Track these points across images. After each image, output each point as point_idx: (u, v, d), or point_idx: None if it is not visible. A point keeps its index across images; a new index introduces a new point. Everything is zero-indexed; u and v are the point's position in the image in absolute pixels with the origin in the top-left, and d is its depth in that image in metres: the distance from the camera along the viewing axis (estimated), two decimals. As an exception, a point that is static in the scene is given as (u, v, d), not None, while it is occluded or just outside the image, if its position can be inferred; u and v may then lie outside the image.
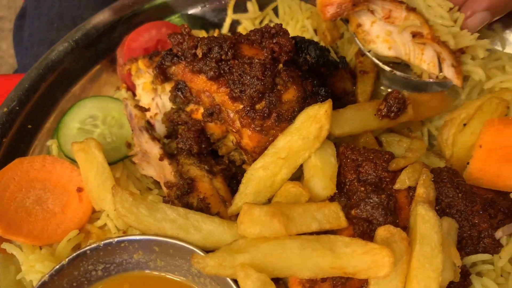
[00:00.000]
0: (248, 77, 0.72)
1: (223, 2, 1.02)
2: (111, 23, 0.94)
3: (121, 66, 0.92)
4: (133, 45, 0.94)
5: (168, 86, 0.81)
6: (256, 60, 0.73)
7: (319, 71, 0.84)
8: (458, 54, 0.85)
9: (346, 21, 0.88)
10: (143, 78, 0.87)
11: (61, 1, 1.29)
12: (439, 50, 0.84)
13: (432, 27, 0.85)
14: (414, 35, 0.84)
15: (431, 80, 0.86)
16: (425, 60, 0.84)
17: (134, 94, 0.92)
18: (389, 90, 0.99)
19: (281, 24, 0.75)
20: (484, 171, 0.76)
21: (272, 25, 1.00)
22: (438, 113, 0.87)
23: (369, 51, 0.89)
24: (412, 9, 0.85)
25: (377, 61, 0.88)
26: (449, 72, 0.84)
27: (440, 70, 0.86)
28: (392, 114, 0.79)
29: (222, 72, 0.74)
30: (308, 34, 1.01)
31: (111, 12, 0.93)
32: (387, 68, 0.88)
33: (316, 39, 0.98)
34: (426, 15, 0.86)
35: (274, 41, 0.74)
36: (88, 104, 0.89)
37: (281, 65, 0.74)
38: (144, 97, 0.87)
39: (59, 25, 1.27)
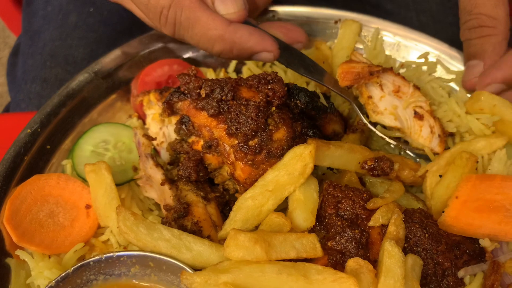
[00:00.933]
0: (244, 117, 0.81)
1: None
2: (128, 57, 1.04)
3: (135, 97, 1.02)
4: (146, 79, 1.04)
5: (174, 119, 0.90)
6: (252, 102, 0.82)
7: (310, 114, 0.93)
8: (446, 132, 0.97)
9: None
10: (153, 110, 0.96)
11: (54, 41, 1.34)
12: (433, 124, 0.96)
13: (431, 106, 0.98)
14: (416, 113, 0.97)
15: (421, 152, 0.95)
16: (422, 136, 0.96)
17: (144, 123, 1.02)
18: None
19: (276, 72, 0.84)
20: (457, 220, 0.82)
21: (271, 69, 1.12)
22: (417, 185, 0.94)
23: (375, 125, 0.97)
24: (417, 88, 0.99)
25: (383, 136, 0.96)
26: (435, 141, 0.96)
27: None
28: (375, 172, 0.88)
29: (221, 110, 0.83)
30: (306, 78, 1.10)
31: (129, 48, 1.04)
32: (393, 142, 0.97)
33: (312, 84, 1.08)
34: (430, 94, 1.02)
35: (269, 87, 0.83)
36: (101, 129, 0.98)
37: (274, 108, 0.83)
38: (153, 126, 0.97)
39: (52, 63, 1.32)
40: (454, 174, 0.86)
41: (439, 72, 1.06)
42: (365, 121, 0.97)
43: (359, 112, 0.98)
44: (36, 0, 1.47)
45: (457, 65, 1.05)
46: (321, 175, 0.96)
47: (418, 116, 0.97)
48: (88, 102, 1.00)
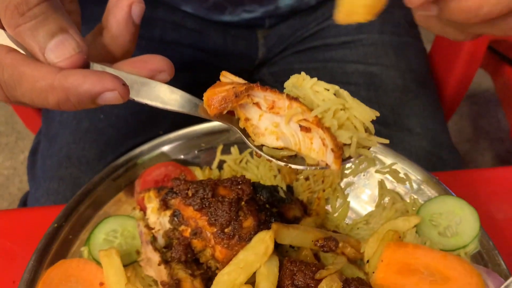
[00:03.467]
0: (220, 211, 1.08)
1: (214, 147, 1.41)
2: (132, 162, 1.33)
3: (138, 193, 1.29)
4: (147, 178, 1.31)
5: (168, 212, 1.17)
6: (226, 199, 1.09)
7: (274, 204, 1.20)
8: (340, 143, 0.85)
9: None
10: (152, 204, 1.23)
11: (69, 144, 1.55)
12: (323, 136, 0.84)
13: (317, 115, 0.84)
14: (301, 126, 0.84)
15: (315, 167, 0.88)
16: (314, 149, 0.86)
17: (144, 214, 1.28)
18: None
19: (244, 176, 1.12)
20: (384, 279, 1.06)
21: (246, 165, 1.40)
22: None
23: (261, 147, 0.89)
24: (294, 98, 0.85)
25: (270, 158, 0.89)
26: (330, 157, 0.85)
27: None
28: (324, 249, 1.13)
29: (203, 206, 1.10)
30: (274, 172, 1.38)
31: (132, 155, 1.33)
32: (281, 163, 0.88)
33: (278, 177, 1.36)
34: (315, 101, 0.87)
35: (239, 187, 1.11)
36: (111, 221, 1.24)
37: (243, 203, 1.10)
38: (151, 217, 1.23)
39: (67, 164, 1.52)
40: (383, 246, 1.11)
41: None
42: (251, 146, 0.91)
43: (243, 137, 0.91)
44: None
45: (391, 160, 1.33)
46: (285, 252, 1.21)
47: (305, 129, 0.86)
48: (101, 198, 1.27)
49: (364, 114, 0.89)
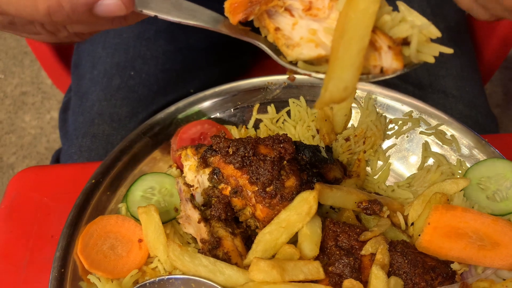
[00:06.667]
0: (262, 169, 1.05)
1: (250, 105, 1.37)
2: (168, 120, 1.30)
3: (174, 151, 1.27)
4: (183, 136, 1.29)
5: (207, 170, 1.14)
6: (268, 158, 1.06)
7: (315, 165, 1.17)
8: (398, 39, 0.72)
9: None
10: (190, 162, 1.20)
11: (101, 101, 1.54)
12: (374, 38, 0.71)
13: None
14: None
15: (367, 76, 0.75)
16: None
17: (181, 171, 1.26)
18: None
19: (286, 134, 1.08)
20: (430, 242, 1.02)
21: (283, 125, 1.36)
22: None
23: (295, 63, 0.75)
24: None
25: (307, 72, 0.76)
26: (387, 58, 0.72)
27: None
28: (367, 212, 1.09)
29: (244, 164, 1.07)
30: (312, 132, 1.33)
31: (168, 113, 1.29)
32: (322, 76, 0.76)
33: (317, 137, 1.31)
34: None
35: (281, 145, 1.07)
36: (148, 178, 1.22)
37: (285, 162, 1.07)
38: (189, 175, 1.20)
39: (99, 121, 1.51)
40: (429, 209, 1.07)
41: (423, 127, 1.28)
42: (284, 64, 0.77)
43: (274, 55, 0.77)
44: (83, 64, 1.74)
45: (436, 121, 1.27)
46: (325, 213, 1.18)
47: None
48: (137, 156, 1.25)
49: (422, 19, 0.75)
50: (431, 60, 0.78)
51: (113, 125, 1.54)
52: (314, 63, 0.78)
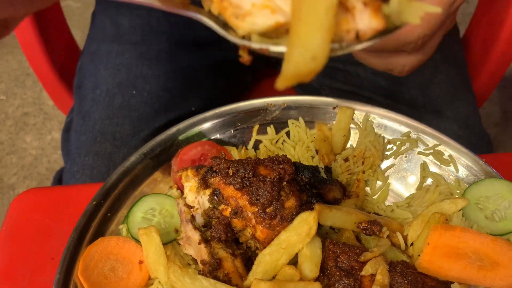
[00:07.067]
0: (262, 190, 1.06)
1: (250, 126, 1.39)
2: (169, 141, 1.31)
3: (175, 172, 1.28)
4: (184, 157, 1.30)
5: (207, 191, 1.15)
6: (268, 179, 1.07)
7: (314, 185, 1.18)
8: None
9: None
10: (190, 183, 1.21)
11: (103, 120, 1.56)
12: None
13: None
14: None
15: (340, 45, 0.60)
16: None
17: (182, 192, 1.27)
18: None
19: (286, 155, 1.09)
20: (430, 263, 1.03)
21: (283, 145, 1.37)
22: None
23: (248, 39, 0.61)
24: None
25: (267, 46, 0.62)
26: (363, 18, 0.58)
27: None
28: (367, 233, 1.10)
29: (244, 185, 1.08)
30: (312, 153, 1.35)
31: (169, 134, 1.31)
32: (284, 50, 0.60)
33: (316, 158, 1.33)
34: None
35: (281, 166, 1.08)
36: (149, 199, 1.23)
37: (285, 183, 1.08)
38: (189, 196, 1.21)
39: (101, 139, 1.54)
40: (428, 229, 1.08)
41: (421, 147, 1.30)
42: (234, 39, 0.63)
43: (221, 30, 0.64)
44: (85, 85, 1.77)
45: (434, 141, 1.29)
46: (325, 233, 1.19)
47: None
48: (138, 177, 1.26)
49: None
50: (417, 21, 0.62)
51: (115, 143, 1.57)
52: (271, 35, 0.62)
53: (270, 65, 1.91)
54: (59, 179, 1.73)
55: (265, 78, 2.10)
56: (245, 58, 0.65)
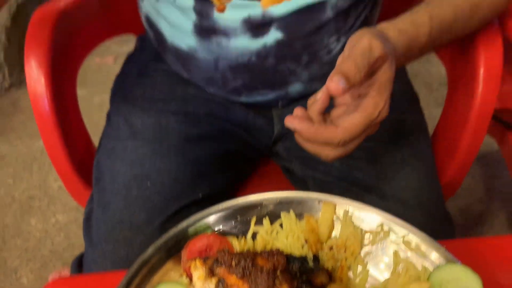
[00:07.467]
0: (259, 279, 1.28)
1: (248, 219, 1.62)
2: (180, 235, 1.54)
3: (184, 262, 1.49)
4: (192, 248, 1.52)
5: (214, 280, 1.36)
6: (264, 269, 1.29)
7: (304, 272, 1.40)
8: None
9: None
10: (198, 272, 1.42)
11: (121, 210, 1.71)
12: None
13: None
14: None
15: None
16: None
17: (190, 280, 1.48)
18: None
19: (279, 248, 1.32)
20: None
21: (277, 235, 1.60)
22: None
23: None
24: None
25: None
26: None
27: None
28: None
29: (245, 274, 1.30)
30: (302, 242, 1.57)
31: (180, 229, 1.54)
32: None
33: (306, 246, 1.55)
34: None
35: (275, 258, 1.31)
36: (162, 286, 1.44)
37: (279, 272, 1.30)
38: (198, 283, 1.41)
39: (120, 228, 1.69)
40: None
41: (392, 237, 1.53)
42: None
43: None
44: (103, 179, 1.99)
45: (403, 231, 1.52)
46: (315, 315, 1.39)
47: None
48: (154, 268, 1.47)
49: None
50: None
51: (132, 231, 1.76)
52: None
53: (265, 157, 2.19)
54: (78, 265, 1.91)
55: (262, 167, 2.36)
56: (220, 6, 0.75)
